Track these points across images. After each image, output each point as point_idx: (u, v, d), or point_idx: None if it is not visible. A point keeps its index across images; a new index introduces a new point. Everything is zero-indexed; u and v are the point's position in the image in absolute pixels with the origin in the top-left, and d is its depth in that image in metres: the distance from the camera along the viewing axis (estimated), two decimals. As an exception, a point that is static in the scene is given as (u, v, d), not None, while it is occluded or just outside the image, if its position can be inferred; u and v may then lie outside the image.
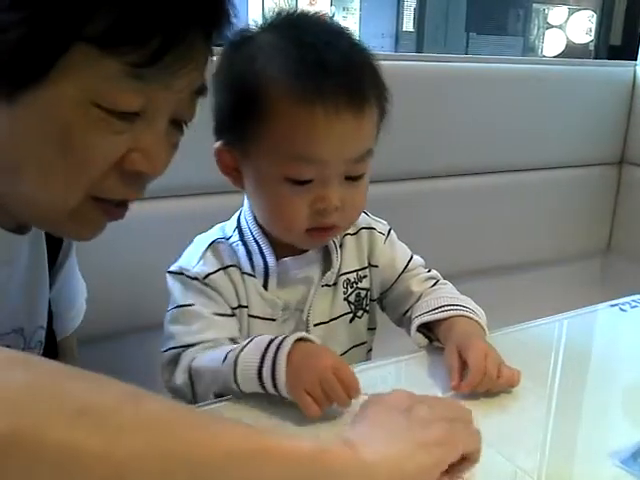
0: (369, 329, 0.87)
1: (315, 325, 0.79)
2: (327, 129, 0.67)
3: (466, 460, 0.51)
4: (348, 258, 0.82)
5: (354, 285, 0.83)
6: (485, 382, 0.67)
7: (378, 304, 0.88)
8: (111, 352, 1.09)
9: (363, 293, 0.84)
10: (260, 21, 0.73)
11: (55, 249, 0.72)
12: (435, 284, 0.85)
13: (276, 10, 0.73)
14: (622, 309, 0.94)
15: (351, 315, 0.83)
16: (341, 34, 0.72)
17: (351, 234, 0.83)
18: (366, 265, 0.84)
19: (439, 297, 0.80)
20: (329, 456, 0.43)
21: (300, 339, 0.65)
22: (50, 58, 0.48)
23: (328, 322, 0.81)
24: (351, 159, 0.70)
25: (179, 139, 0.59)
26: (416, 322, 0.78)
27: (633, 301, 0.96)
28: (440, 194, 1.43)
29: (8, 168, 0.52)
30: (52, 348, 0.74)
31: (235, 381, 0.65)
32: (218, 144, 0.74)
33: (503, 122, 1.46)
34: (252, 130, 0.69)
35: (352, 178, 0.71)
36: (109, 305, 1.03)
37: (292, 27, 0.71)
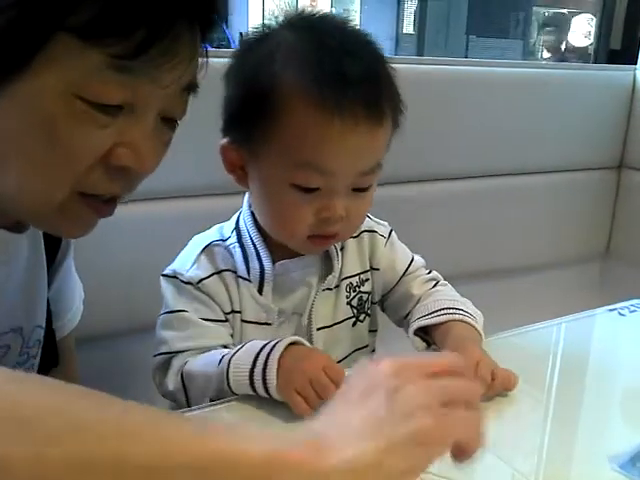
0: (370, 331, 0.86)
1: (318, 329, 0.79)
2: (342, 141, 0.66)
3: (462, 452, 0.43)
4: (350, 262, 0.82)
5: (356, 289, 0.82)
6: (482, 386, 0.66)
7: (379, 306, 0.87)
8: (109, 352, 1.09)
9: (365, 296, 0.83)
10: (278, 18, 0.71)
11: (54, 248, 0.72)
12: (435, 285, 0.84)
13: (297, 9, 0.72)
14: (621, 313, 0.94)
15: (354, 319, 0.83)
16: (362, 40, 0.71)
17: (353, 237, 0.82)
18: (368, 268, 0.84)
19: (437, 300, 0.80)
20: (281, 462, 0.38)
21: (292, 343, 0.65)
22: (32, 49, 0.48)
23: (331, 326, 0.80)
24: (361, 172, 0.69)
25: (170, 137, 0.59)
26: (413, 326, 0.78)
27: (632, 305, 0.96)
28: (439, 197, 1.43)
29: None
30: (51, 348, 0.73)
31: (228, 384, 0.66)
32: (224, 141, 0.72)
33: (502, 125, 1.46)
34: (263, 131, 0.67)
35: (359, 189, 0.71)
36: (106, 305, 1.02)
37: (313, 29, 0.70)
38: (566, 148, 1.57)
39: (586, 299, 1.19)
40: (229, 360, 0.66)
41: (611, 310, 0.94)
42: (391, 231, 0.87)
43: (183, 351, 0.72)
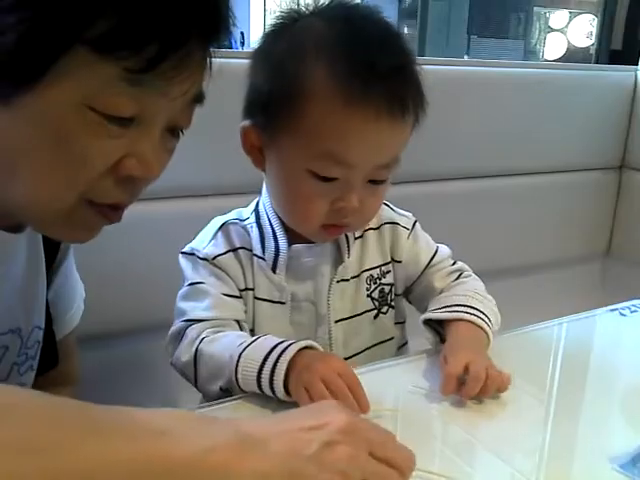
0: (397, 323, 0.86)
1: (336, 322, 0.79)
2: (363, 133, 0.66)
3: None
4: (370, 254, 0.82)
5: (377, 281, 0.82)
6: (472, 387, 0.66)
7: (404, 297, 0.87)
8: (114, 351, 1.09)
9: (387, 288, 0.83)
10: (310, 5, 0.71)
11: (53, 249, 0.72)
12: (458, 277, 0.84)
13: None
14: (622, 313, 0.94)
15: (375, 311, 0.83)
16: (393, 33, 0.71)
17: (373, 229, 0.82)
18: (389, 260, 0.84)
19: (452, 295, 0.79)
20: (201, 466, 0.42)
21: (307, 347, 0.65)
22: (48, 60, 0.48)
23: (350, 319, 0.81)
24: (380, 164, 0.69)
25: (174, 145, 0.60)
26: (421, 317, 0.78)
27: (633, 306, 0.96)
28: (439, 197, 1.43)
29: (3, 170, 0.52)
30: (51, 348, 0.73)
31: (236, 378, 0.65)
32: (246, 122, 0.73)
33: (504, 126, 1.46)
34: (286, 117, 0.68)
35: (375, 182, 0.71)
36: (110, 305, 1.02)
37: (344, 19, 0.69)
38: (567, 148, 1.58)
39: (587, 299, 1.19)
40: (240, 354, 0.66)
41: (612, 310, 0.94)
42: (415, 222, 0.86)
43: (199, 321, 0.72)
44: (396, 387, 0.72)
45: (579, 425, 0.68)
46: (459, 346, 0.71)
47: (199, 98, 0.58)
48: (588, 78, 1.60)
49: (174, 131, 0.58)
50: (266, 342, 0.66)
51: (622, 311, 0.94)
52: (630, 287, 1.09)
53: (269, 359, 0.64)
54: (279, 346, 0.65)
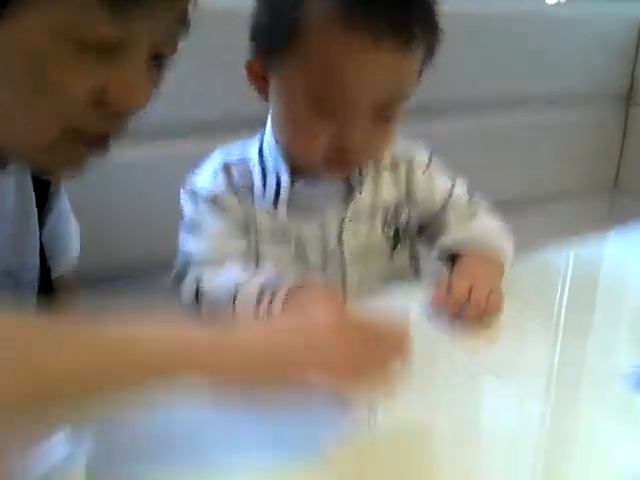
0: (411, 260, 0.85)
1: (350, 262, 0.78)
2: (362, 63, 0.63)
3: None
4: (385, 191, 0.79)
5: (392, 219, 0.80)
6: (471, 313, 0.66)
7: (417, 236, 0.85)
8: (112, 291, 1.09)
9: (402, 226, 0.81)
10: None
11: (44, 190, 0.70)
12: (473, 216, 0.82)
13: None
14: (630, 240, 0.94)
15: (390, 250, 0.81)
16: None
17: (387, 166, 0.80)
18: (404, 198, 0.81)
19: (466, 230, 0.79)
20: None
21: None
22: None
23: (364, 258, 0.79)
24: (382, 100, 0.66)
25: (161, 75, 0.57)
26: (434, 254, 0.78)
27: (641, 230, 0.95)
28: (445, 132, 1.39)
29: None
30: (48, 289, 0.72)
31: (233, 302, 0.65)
32: (250, 58, 0.71)
33: (509, 59, 1.43)
34: (287, 44, 0.66)
35: (380, 119, 0.68)
36: (102, 247, 1.02)
37: None
38: (574, 81, 1.55)
39: (594, 232, 1.18)
40: (237, 287, 0.66)
41: (620, 235, 0.95)
42: (431, 157, 0.83)
43: (199, 260, 0.72)
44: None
45: (588, 346, 0.67)
46: (465, 270, 0.71)
47: (183, 22, 0.55)
48: (595, 9, 1.56)
49: (159, 60, 0.56)
50: (269, 270, 0.67)
51: (630, 237, 0.95)
52: (637, 221, 1.08)
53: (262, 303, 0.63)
54: (280, 278, 0.65)
